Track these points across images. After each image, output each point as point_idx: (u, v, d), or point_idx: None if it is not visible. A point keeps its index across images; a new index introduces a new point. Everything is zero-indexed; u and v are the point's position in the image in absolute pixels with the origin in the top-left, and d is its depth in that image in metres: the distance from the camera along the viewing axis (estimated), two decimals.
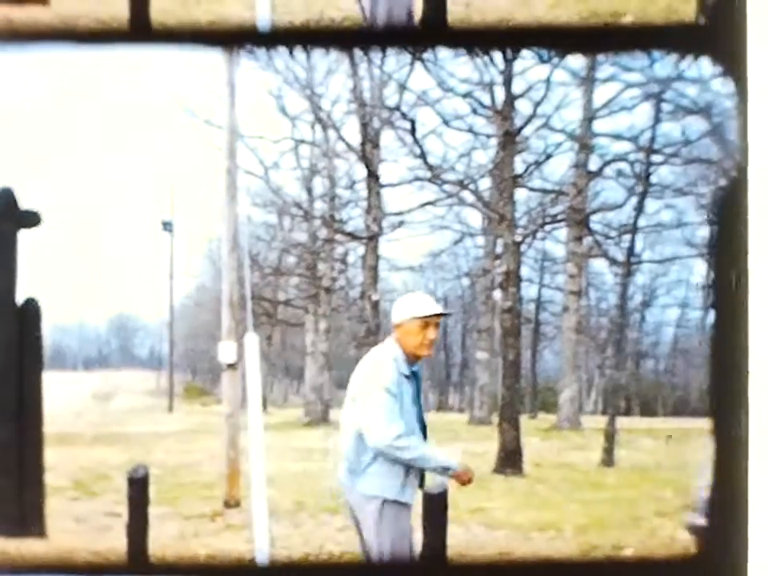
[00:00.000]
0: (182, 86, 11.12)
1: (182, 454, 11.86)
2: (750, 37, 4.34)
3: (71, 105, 10.24)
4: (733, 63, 4.36)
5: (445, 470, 5.17)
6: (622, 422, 12.39)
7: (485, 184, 12.98)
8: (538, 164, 12.72)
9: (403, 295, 5.60)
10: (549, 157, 12.72)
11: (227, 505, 9.83)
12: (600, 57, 11.66)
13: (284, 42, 6.71)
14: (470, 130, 12.70)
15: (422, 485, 5.43)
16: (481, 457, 11.62)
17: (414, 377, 5.28)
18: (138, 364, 15.78)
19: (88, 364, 14.86)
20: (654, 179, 12.62)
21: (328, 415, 13.76)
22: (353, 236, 13.61)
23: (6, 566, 6.09)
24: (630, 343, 14.09)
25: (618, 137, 12.68)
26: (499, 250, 12.95)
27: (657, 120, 12.23)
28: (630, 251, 13.10)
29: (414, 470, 5.20)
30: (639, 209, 12.77)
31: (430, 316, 5.19)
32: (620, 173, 12.82)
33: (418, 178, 12.75)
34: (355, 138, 13.06)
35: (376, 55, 11.78)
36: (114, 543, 7.28)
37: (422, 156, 12.41)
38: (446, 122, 12.47)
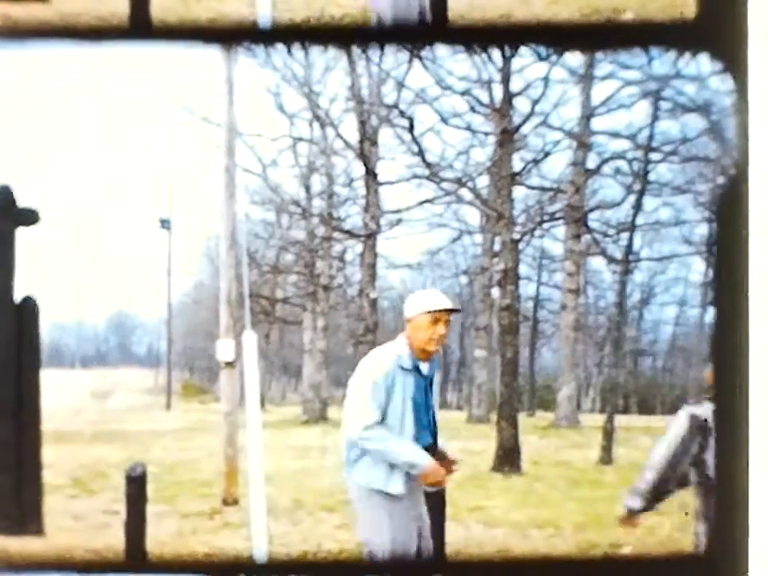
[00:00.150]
0: (181, 83, 11.12)
1: (180, 452, 11.86)
2: (750, 33, 4.33)
3: (70, 102, 10.23)
4: (733, 60, 4.35)
5: (412, 468, 5.15)
6: (620, 419, 12.39)
7: (483, 182, 13.00)
8: (536, 162, 12.72)
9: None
10: (547, 155, 12.72)
11: (225, 502, 9.82)
12: (598, 54, 11.66)
13: (284, 40, 6.70)
14: (468, 128, 12.70)
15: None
16: (479, 455, 11.63)
17: (417, 372, 5.26)
18: (136, 362, 15.77)
19: (86, 362, 14.86)
20: (652, 177, 12.62)
21: (326, 413, 13.74)
22: (351, 234, 13.60)
23: (5, 564, 6.08)
24: (628, 341, 14.08)
25: (616, 134, 12.68)
26: (497, 247, 12.94)
27: (655, 118, 12.23)
28: (629, 249, 13.09)
29: None
30: (637, 207, 12.77)
31: (440, 311, 5.20)
32: (618, 171, 12.82)
33: (416, 176, 12.74)
34: (353, 136, 13.06)
35: (374, 53, 11.78)
36: (112, 541, 7.28)
37: (420, 154, 12.40)
38: (444, 120, 12.47)
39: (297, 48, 11.64)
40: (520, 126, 12.24)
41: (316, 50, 12.04)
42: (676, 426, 4.31)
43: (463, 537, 8.38)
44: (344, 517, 8.52)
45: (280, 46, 11.80)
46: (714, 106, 10.43)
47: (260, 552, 7.34)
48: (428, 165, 12.45)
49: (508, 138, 12.20)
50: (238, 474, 9.92)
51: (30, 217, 7.89)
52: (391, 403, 5.16)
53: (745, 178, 4.38)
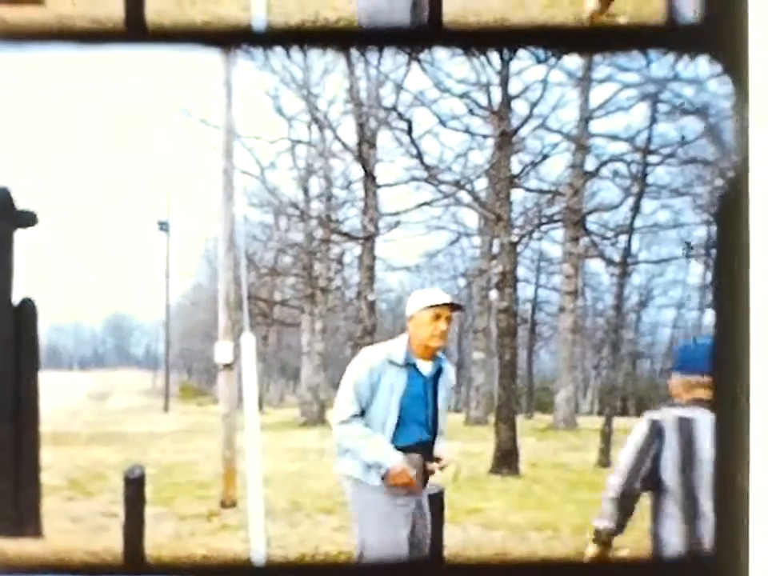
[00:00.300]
0: (179, 86, 11.12)
1: (177, 454, 11.86)
2: (750, 35, 4.33)
3: (67, 105, 10.24)
4: (733, 62, 4.35)
5: (377, 467, 5.16)
6: (618, 422, 12.39)
7: (481, 184, 13.02)
8: (534, 164, 12.74)
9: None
10: (545, 157, 12.75)
11: (223, 505, 9.82)
12: (596, 57, 11.68)
13: (279, 42, 6.70)
14: (467, 131, 12.71)
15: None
16: (477, 457, 11.63)
17: (413, 369, 5.26)
18: (133, 364, 15.78)
19: (84, 364, 14.87)
20: (650, 180, 12.65)
21: (324, 415, 13.75)
22: (349, 236, 13.61)
23: (2, 566, 6.07)
24: (626, 343, 14.10)
25: (614, 137, 12.70)
26: (495, 250, 12.95)
27: (653, 120, 12.26)
28: (627, 252, 13.12)
29: None
30: (635, 209, 12.79)
31: (440, 305, 5.22)
32: (616, 173, 12.83)
33: (414, 179, 12.75)
34: (352, 139, 13.07)
35: (373, 56, 11.79)
36: (111, 543, 7.28)
37: (419, 156, 12.41)
38: (442, 123, 12.48)
39: (295, 51, 11.65)
40: (518, 128, 12.26)
41: (314, 53, 12.05)
42: (637, 431, 4.42)
43: (461, 539, 8.38)
44: (342, 519, 8.51)
45: (278, 49, 11.81)
46: (712, 108, 10.46)
47: (258, 554, 7.33)
48: (426, 167, 12.46)
49: (506, 141, 12.21)
50: (236, 476, 9.92)
51: (28, 219, 7.88)
52: (375, 399, 5.19)
53: (745, 180, 4.38)
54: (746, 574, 4.48)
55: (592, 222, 13.26)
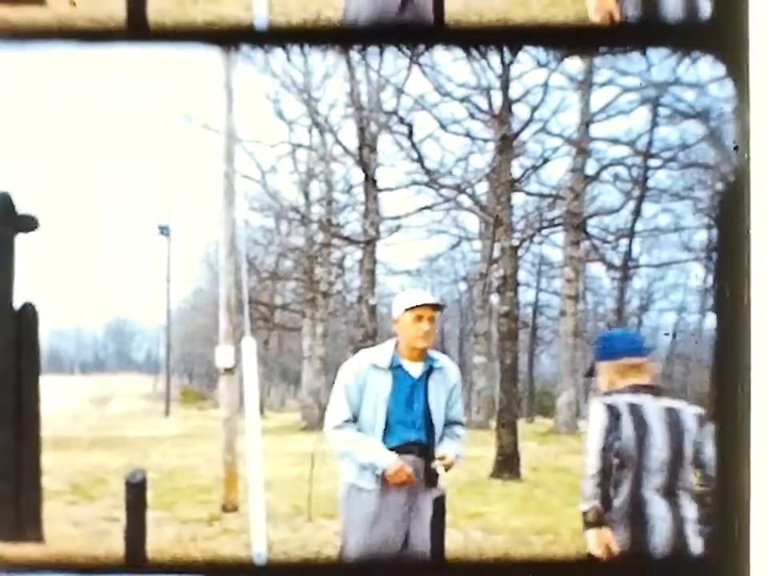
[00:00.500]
0: (180, 89, 11.11)
1: (179, 458, 11.84)
2: (752, 36, 4.34)
3: (68, 107, 10.22)
4: (734, 63, 4.35)
5: (373, 468, 5.20)
6: None
7: (482, 188, 13.00)
8: (535, 168, 12.72)
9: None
10: (546, 161, 12.73)
11: (225, 509, 9.80)
12: (597, 61, 11.67)
13: (281, 41, 6.70)
14: (468, 135, 12.70)
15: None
16: (478, 461, 11.61)
17: (400, 371, 5.30)
18: (134, 368, 15.73)
19: (85, 368, 14.83)
20: (651, 183, 12.64)
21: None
22: (350, 240, 13.59)
23: (4, 571, 6.07)
24: None
25: (615, 141, 12.68)
26: (496, 254, 12.94)
27: (654, 124, 12.25)
28: (628, 255, 13.11)
29: None
30: (636, 213, 12.78)
31: (421, 306, 5.29)
32: (617, 177, 12.83)
33: (415, 183, 12.75)
34: (352, 142, 13.07)
35: (373, 59, 11.79)
36: (112, 548, 7.26)
37: (420, 160, 12.41)
38: (443, 126, 12.48)
39: (296, 54, 11.65)
40: (519, 132, 12.26)
41: (315, 56, 12.05)
42: (596, 414, 4.52)
43: (463, 543, 8.36)
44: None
45: (279, 52, 11.80)
46: (713, 112, 10.44)
47: (259, 558, 7.32)
48: (427, 171, 12.46)
49: (507, 145, 12.21)
50: (237, 480, 9.90)
51: (29, 223, 7.88)
52: (363, 402, 5.28)
53: (746, 183, 4.38)
54: (746, 575, 4.48)
55: (593, 225, 13.26)
